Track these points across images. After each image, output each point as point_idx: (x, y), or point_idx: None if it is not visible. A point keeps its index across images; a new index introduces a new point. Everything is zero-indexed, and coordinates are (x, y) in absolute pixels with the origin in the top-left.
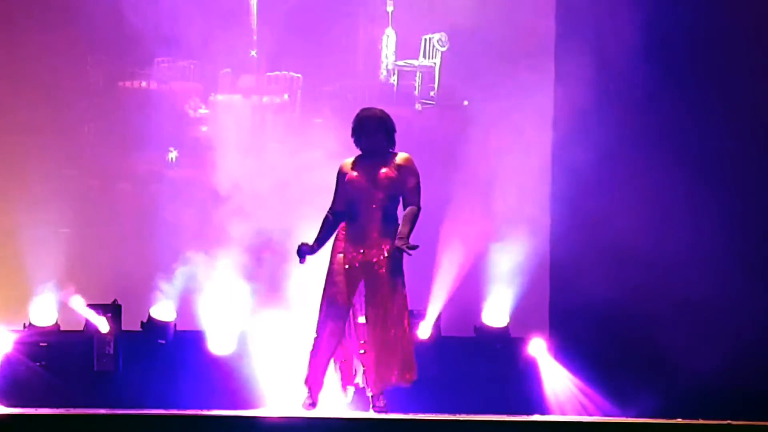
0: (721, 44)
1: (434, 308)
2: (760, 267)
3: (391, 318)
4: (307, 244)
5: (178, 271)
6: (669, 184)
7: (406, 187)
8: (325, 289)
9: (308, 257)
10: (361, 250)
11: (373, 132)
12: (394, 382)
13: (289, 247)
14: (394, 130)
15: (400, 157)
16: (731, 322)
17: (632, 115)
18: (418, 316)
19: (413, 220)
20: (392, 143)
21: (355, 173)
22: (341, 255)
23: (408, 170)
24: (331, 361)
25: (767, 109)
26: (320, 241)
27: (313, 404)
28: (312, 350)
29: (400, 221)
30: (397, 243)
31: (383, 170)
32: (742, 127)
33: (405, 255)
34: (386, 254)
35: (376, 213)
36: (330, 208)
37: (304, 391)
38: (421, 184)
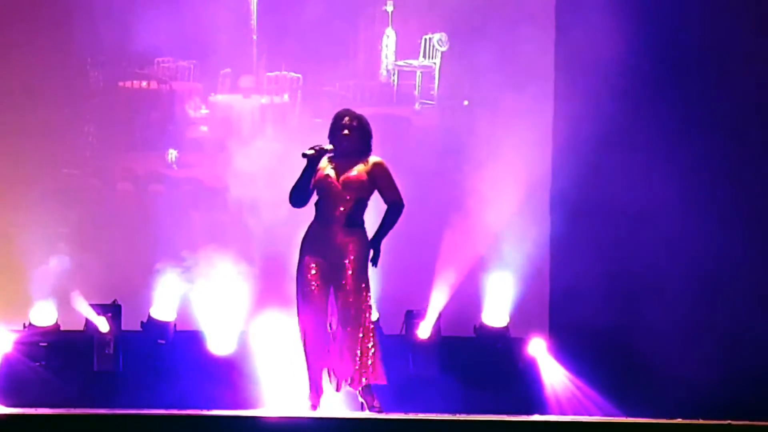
0: (726, 32)
1: (434, 308)
2: (762, 268)
3: (354, 319)
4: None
5: (178, 271)
6: (671, 185)
7: (384, 185)
8: (300, 291)
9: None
10: (327, 252)
11: (350, 132)
12: (356, 382)
13: (289, 246)
14: (370, 135)
15: (372, 159)
16: (732, 322)
17: (634, 114)
18: (418, 315)
19: (393, 223)
20: (368, 148)
21: (325, 173)
22: (309, 256)
23: (381, 170)
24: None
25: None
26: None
27: (315, 405)
28: (307, 354)
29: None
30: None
31: (354, 172)
32: (747, 125)
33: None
34: (351, 257)
35: (342, 215)
36: None
37: (307, 392)
38: (420, 184)
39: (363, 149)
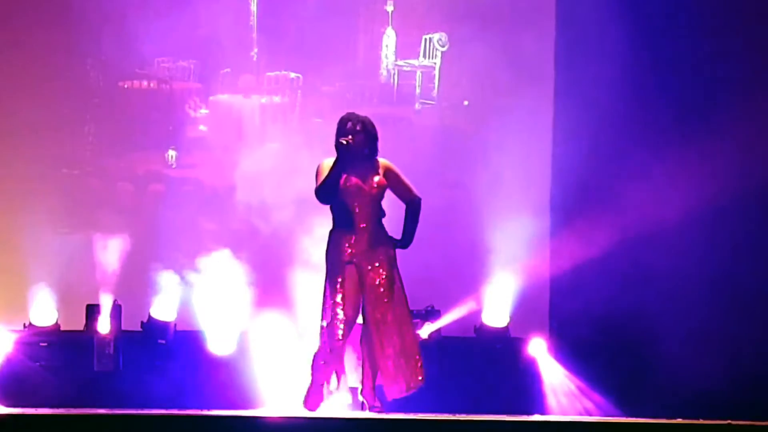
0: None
1: (444, 309)
2: (764, 266)
3: (402, 322)
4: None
5: (178, 271)
6: (672, 184)
7: (399, 187)
8: (327, 301)
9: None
10: (358, 258)
11: (355, 138)
12: (411, 386)
13: (288, 246)
14: (376, 137)
15: (383, 163)
16: (734, 322)
17: (634, 113)
18: (418, 315)
19: (416, 220)
20: (375, 150)
21: (350, 179)
22: (341, 264)
23: (393, 173)
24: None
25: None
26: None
27: (316, 406)
28: (317, 362)
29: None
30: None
31: (377, 177)
32: (749, 124)
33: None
34: (384, 260)
35: (372, 221)
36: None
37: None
38: (420, 184)
39: (370, 152)
